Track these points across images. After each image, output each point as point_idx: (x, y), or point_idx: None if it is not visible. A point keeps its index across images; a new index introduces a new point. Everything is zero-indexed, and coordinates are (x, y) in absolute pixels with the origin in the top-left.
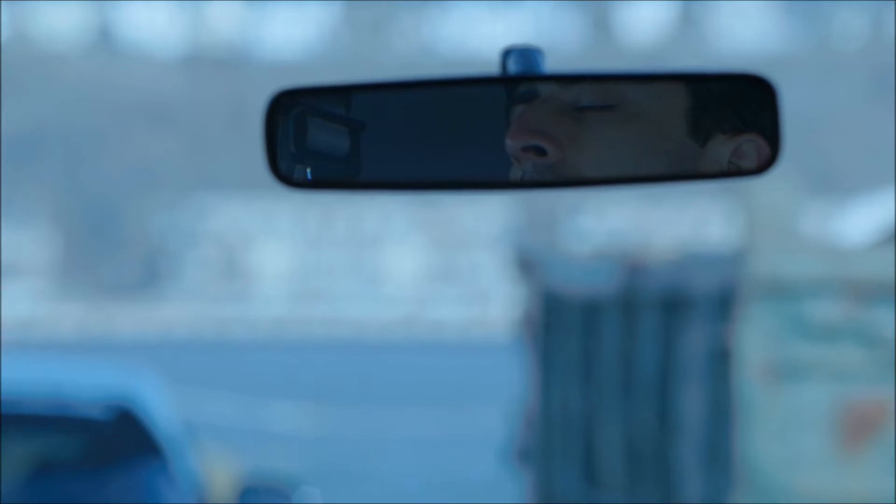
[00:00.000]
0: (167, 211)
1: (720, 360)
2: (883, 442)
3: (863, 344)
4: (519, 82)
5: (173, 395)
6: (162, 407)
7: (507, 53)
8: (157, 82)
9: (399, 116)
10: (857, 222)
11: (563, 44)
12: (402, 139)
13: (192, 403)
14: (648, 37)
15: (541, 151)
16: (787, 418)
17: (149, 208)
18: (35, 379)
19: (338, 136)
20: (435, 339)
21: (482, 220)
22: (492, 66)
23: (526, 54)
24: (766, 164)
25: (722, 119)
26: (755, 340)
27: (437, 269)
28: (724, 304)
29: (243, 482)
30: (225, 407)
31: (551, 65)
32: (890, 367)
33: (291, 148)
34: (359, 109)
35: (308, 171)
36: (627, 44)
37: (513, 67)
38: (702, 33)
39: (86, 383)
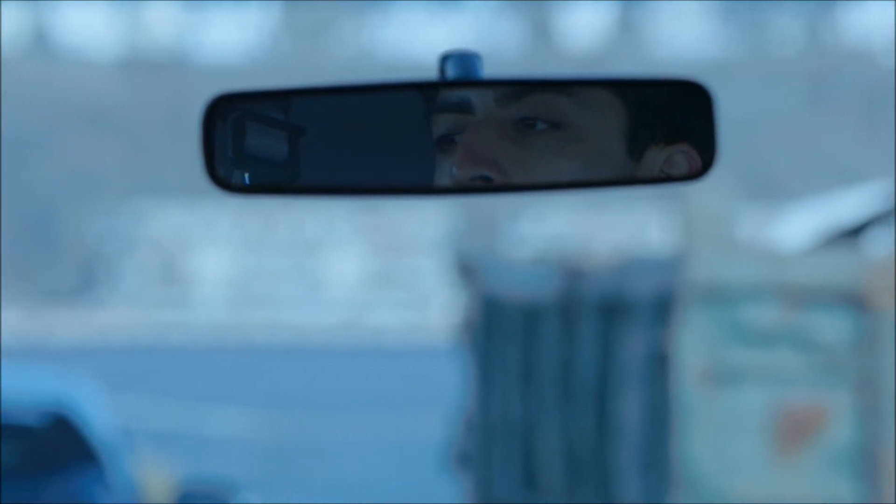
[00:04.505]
0: (106, 216)
1: (659, 365)
2: (818, 445)
3: (798, 348)
4: (457, 87)
5: (110, 401)
6: (98, 413)
7: (445, 59)
8: (95, 86)
9: (337, 121)
10: (794, 228)
11: (503, 49)
12: (340, 144)
13: (130, 409)
14: (587, 42)
15: (487, 178)
16: (724, 422)
17: (87, 213)
18: None
19: (276, 140)
20: (376, 343)
21: (423, 225)
22: (430, 72)
23: (464, 59)
24: (702, 169)
25: (658, 124)
26: (693, 345)
27: (378, 273)
28: (662, 308)
29: (181, 488)
30: (163, 412)
31: (490, 70)
32: (825, 372)
33: (229, 153)
34: (297, 114)
35: (246, 175)
36: (567, 49)
37: (451, 72)
38: (641, 39)
39: (21, 390)
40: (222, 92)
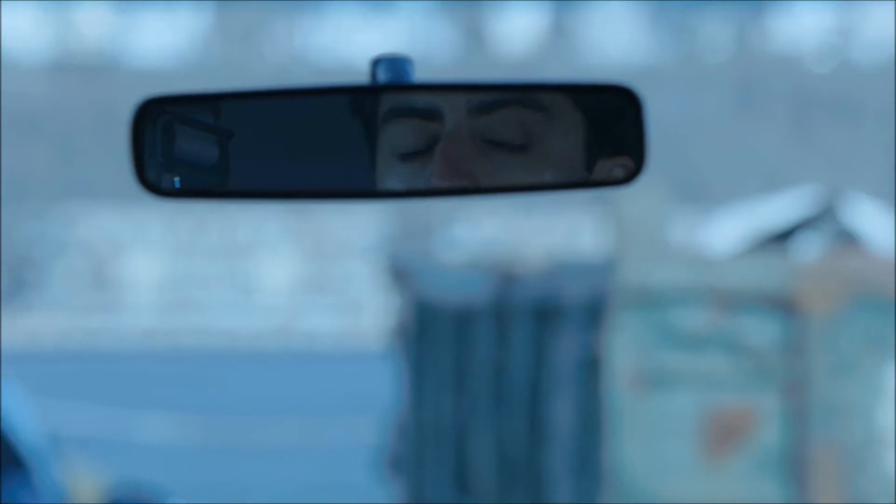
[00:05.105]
0: (34, 220)
1: (590, 369)
2: (746, 448)
3: (728, 352)
4: (388, 91)
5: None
6: (26, 419)
7: (376, 63)
8: (23, 89)
9: (268, 125)
10: (724, 232)
11: (437, 53)
12: (271, 148)
13: (59, 415)
14: (520, 47)
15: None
16: (654, 425)
17: (14, 217)
18: None
19: (206, 144)
20: (308, 348)
21: (355, 229)
22: (362, 76)
23: (395, 64)
24: (632, 174)
25: (589, 129)
26: (624, 348)
27: (310, 278)
28: (594, 312)
29: (109, 493)
30: (92, 418)
31: (423, 74)
32: (754, 375)
33: (159, 156)
34: (228, 118)
35: (176, 179)
36: (500, 54)
37: (382, 77)
38: (573, 44)
39: None
40: (152, 95)
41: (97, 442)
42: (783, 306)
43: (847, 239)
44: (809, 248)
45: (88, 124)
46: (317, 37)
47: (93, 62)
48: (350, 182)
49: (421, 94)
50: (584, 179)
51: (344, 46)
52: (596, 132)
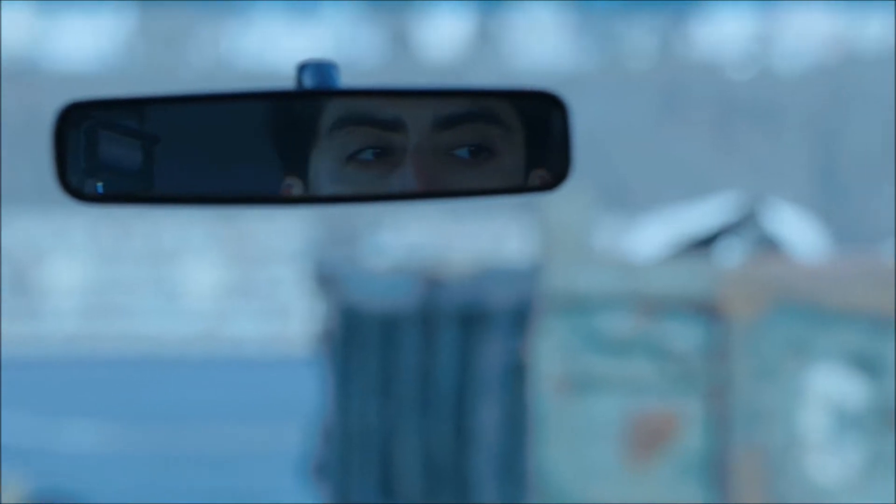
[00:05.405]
0: None
1: (517, 374)
2: (670, 453)
3: (652, 357)
4: (313, 96)
5: None
6: None
7: (302, 68)
8: None
9: (194, 130)
10: (648, 238)
11: (362, 59)
12: (195, 153)
13: None
14: (446, 53)
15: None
16: (579, 430)
17: None
18: None
19: (130, 149)
20: (234, 354)
21: (282, 235)
22: (288, 81)
23: (321, 69)
24: (557, 180)
25: (514, 135)
26: (550, 354)
27: (235, 284)
28: (521, 318)
29: (33, 501)
30: (16, 427)
31: (349, 80)
32: (678, 380)
33: (82, 161)
34: (152, 122)
35: (99, 185)
36: (426, 59)
37: (308, 82)
38: (498, 50)
39: None
40: (74, 99)
41: (21, 451)
42: (706, 311)
43: (768, 245)
44: (732, 254)
45: (9, 128)
46: (242, 42)
47: (13, 66)
48: (272, 188)
49: (346, 100)
50: (510, 185)
51: (269, 51)
52: (522, 138)
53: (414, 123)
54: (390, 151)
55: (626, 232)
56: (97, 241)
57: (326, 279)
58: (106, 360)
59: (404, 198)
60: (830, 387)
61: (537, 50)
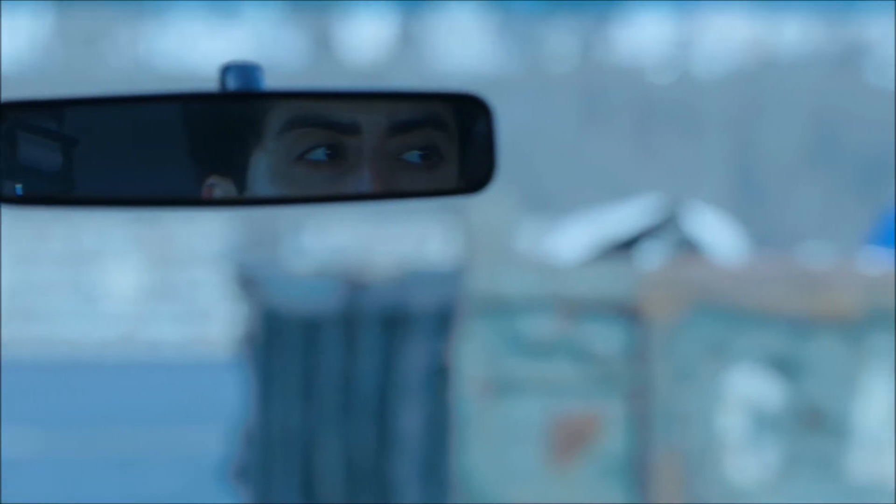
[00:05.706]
0: None
1: (439, 377)
2: (591, 455)
3: (574, 359)
4: (237, 99)
5: None
6: None
7: (225, 70)
8: None
9: (114, 131)
10: (570, 240)
11: (284, 61)
12: (116, 155)
13: None
14: (369, 55)
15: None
16: (501, 433)
17: None
18: None
19: (49, 151)
20: (153, 357)
21: (202, 236)
22: (209, 82)
23: (245, 71)
24: (482, 182)
25: (437, 137)
26: (473, 356)
27: (155, 286)
28: (443, 321)
29: None
30: None
31: (273, 82)
32: (599, 382)
33: (0, 163)
34: (72, 124)
35: (18, 186)
36: (349, 62)
37: (231, 84)
38: (421, 53)
39: None
40: None
41: None
42: (627, 314)
43: (688, 247)
44: (652, 257)
45: None
46: (162, 43)
47: None
48: (192, 190)
49: (270, 102)
50: (432, 188)
51: (190, 53)
52: (444, 141)
53: (337, 125)
54: (342, 154)
55: (547, 234)
56: (14, 243)
57: (248, 282)
58: (23, 364)
59: (330, 200)
60: (749, 388)
61: (459, 52)
